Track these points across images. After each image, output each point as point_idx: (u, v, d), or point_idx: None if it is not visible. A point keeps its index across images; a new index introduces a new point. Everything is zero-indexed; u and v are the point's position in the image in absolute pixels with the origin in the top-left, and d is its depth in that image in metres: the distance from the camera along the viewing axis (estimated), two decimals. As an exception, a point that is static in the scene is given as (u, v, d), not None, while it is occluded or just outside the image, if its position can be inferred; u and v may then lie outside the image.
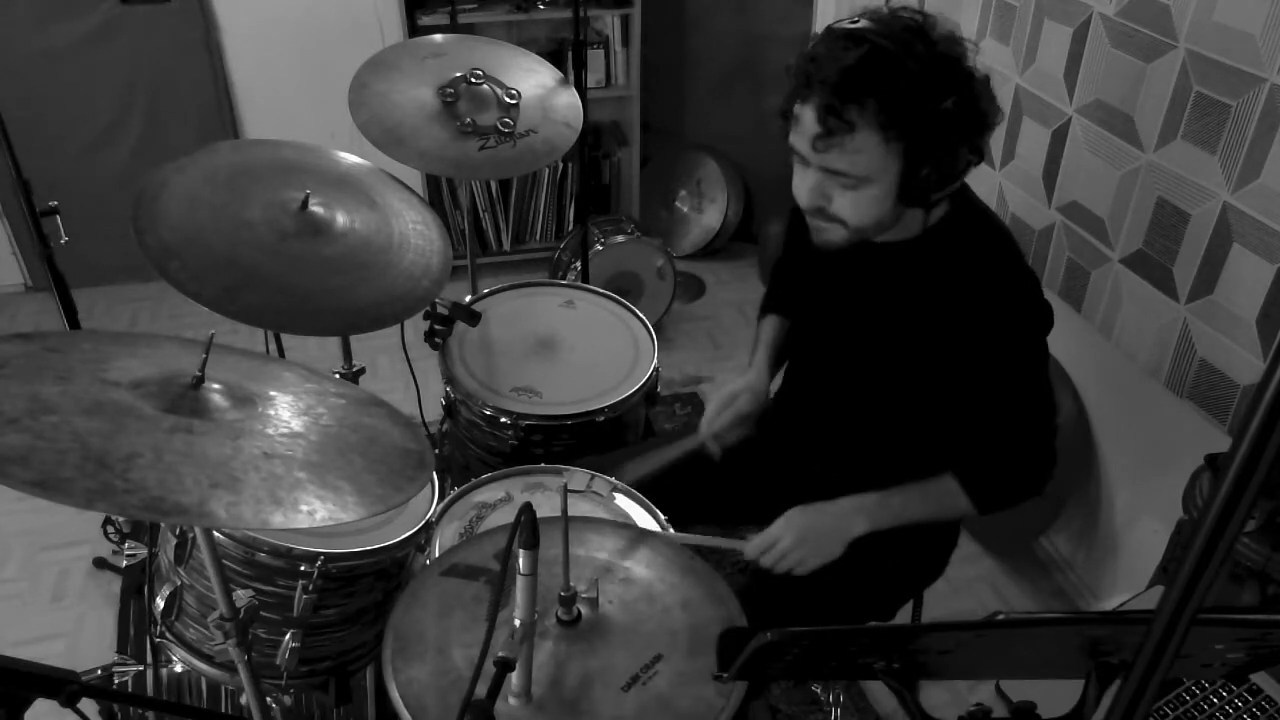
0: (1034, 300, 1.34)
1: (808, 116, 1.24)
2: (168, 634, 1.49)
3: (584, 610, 1.19)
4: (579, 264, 2.88)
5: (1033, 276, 1.35)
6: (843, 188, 1.28)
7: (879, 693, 2.11)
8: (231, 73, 3.28)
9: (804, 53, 1.26)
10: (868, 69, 1.19)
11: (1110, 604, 1.75)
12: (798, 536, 1.39)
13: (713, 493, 1.68)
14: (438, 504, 1.54)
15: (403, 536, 1.45)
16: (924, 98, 1.19)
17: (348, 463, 1.07)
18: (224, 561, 1.29)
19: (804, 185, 1.31)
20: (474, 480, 1.62)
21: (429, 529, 1.50)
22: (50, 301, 2.16)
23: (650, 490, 1.58)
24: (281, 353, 2.24)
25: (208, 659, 1.48)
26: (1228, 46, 1.67)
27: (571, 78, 2.26)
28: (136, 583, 2.25)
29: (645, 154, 3.77)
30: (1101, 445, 2.23)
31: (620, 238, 3.22)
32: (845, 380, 1.54)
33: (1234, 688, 1.34)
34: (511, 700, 1.08)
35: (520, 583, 1.04)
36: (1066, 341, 2.00)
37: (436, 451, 2.06)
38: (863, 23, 1.23)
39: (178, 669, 1.64)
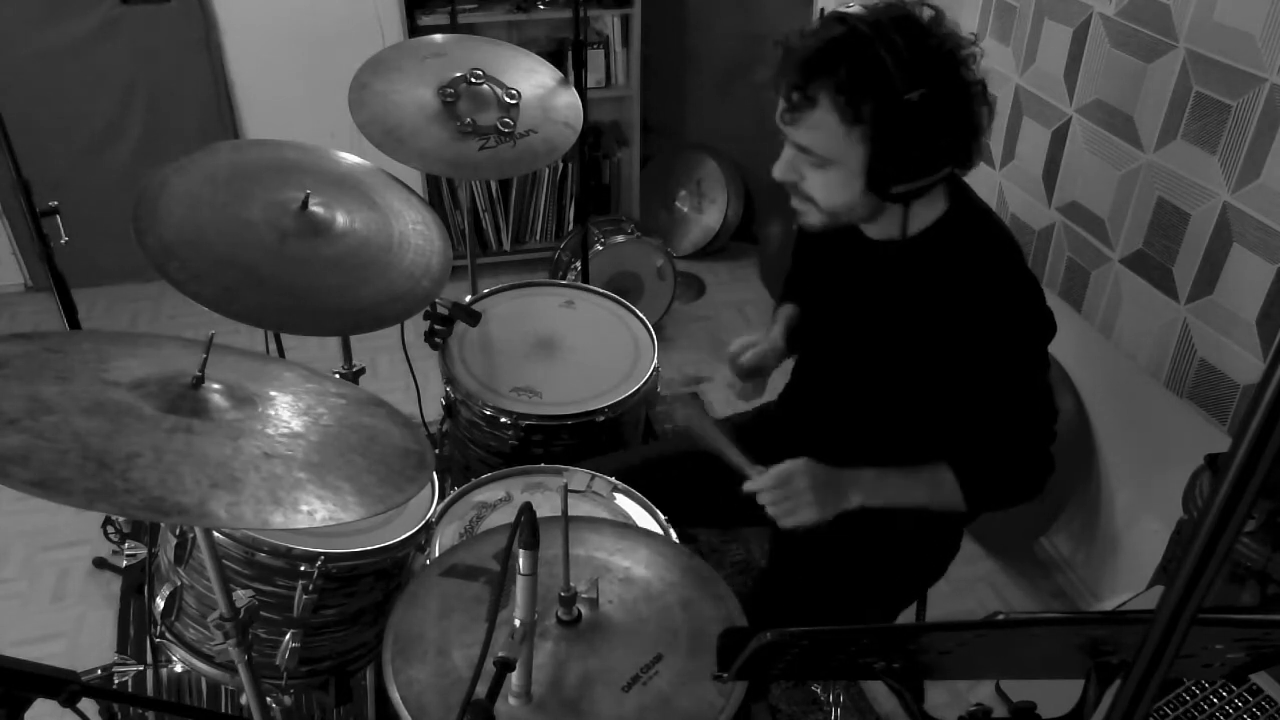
0: (1034, 307, 1.34)
1: (781, 90, 1.27)
2: (168, 634, 1.49)
3: (584, 610, 1.19)
4: (579, 264, 2.88)
5: (1034, 283, 1.35)
6: (812, 166, 1.31)
7: (879, 693, 2.11)
8: (231, 73, 3.28)
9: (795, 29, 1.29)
10: (836, 47, 1.22)
11: (1110, 604, 1.75)
12: (808, 483, 1.37)
13: (713, 493, 1.68)
14: (438, 504, 1.54)
15: (403, 536, 1.45)
16: (888, 84, 1.19)
17: (348, 463, 1.07)
18: (224, 561, 1.29)
19: (781, 160, 1.34)
20: (474, 480, 1.62)
21: (429, 529, 1.50)
22: (50, 301, 2.16)
23: (650, 490, 1.58)
24: (281, 353, 2.24)
25: (208, 659, 1.48)
26: (1228, 46, 1.67)
27: (571, 78, 2.26)
28: (136, 583, 2.25)
29: (645, 154, 3.77)
30: (1101, 445, 2.23)
31: (620, 238, 3.22)
32: (847, 381, 1.54)
33: (1234, 688, 1.34)
34: (511, 700, 1.08)
35: (520, 583, 1.04)
36: (1066, 341, 1.99)
37: (436, 451, 2.05)
38: (856, 7, 1.24)
39: (178, 669, 1.63)
